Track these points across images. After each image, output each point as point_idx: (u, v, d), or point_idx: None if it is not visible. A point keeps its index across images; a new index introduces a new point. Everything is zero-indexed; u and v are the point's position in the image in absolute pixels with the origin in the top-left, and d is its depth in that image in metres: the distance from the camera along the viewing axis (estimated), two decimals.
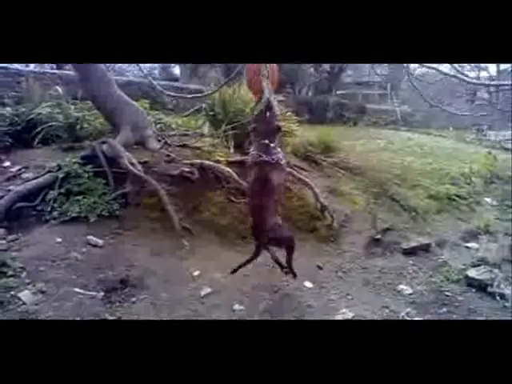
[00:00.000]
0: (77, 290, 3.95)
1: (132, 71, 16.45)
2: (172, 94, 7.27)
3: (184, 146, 6.56)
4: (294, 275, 4.33)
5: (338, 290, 4.69)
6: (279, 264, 4.38)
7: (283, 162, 3.96)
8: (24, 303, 3.59)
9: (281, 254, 4.34)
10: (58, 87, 7.06)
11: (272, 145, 3.85)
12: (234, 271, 4.25)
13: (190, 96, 7.23)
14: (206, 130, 7.40)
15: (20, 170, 5.55)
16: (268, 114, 3.84)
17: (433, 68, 4.63)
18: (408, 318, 4.11)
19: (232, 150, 6.68)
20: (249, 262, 4.22)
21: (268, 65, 3.87)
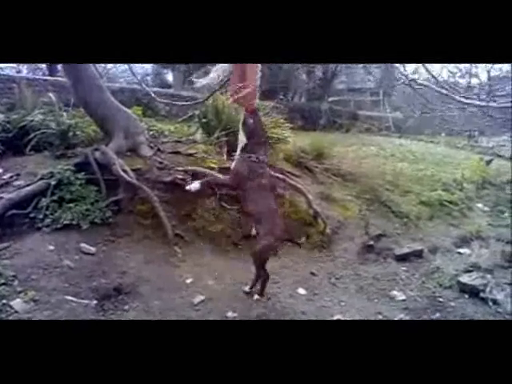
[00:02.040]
0: (69, 298, 3.92)
1: (125, 78, 16.41)
2: (165, 101, 7.30)
3: (177, 152, 6.55)
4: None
5: (331, 297, 4.70)
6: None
7: None
8: (16, 312, 3.56)
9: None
10: (50, 94, 7.03)
11: (264, 148, 3.94)
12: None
13: (181, 103, 7.25)
14: (198, 136, 7.40)
15: (12, 177, 5.50)
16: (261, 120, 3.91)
17: (426, 85, 4.67)
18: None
19: (225, 157, 6.68)
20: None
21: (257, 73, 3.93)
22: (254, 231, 4.35)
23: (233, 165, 4.10)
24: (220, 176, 4.96)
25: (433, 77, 5.81)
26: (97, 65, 7.33)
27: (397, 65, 4.77)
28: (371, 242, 5.93)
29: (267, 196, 3.95)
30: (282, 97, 14.91)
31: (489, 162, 9.81)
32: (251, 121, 3.86)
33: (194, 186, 4.23)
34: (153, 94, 6.16)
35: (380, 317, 4.33)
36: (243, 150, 3.93)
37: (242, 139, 3.94)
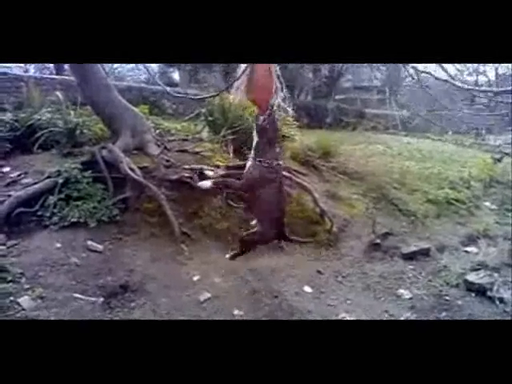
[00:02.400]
0: (76, 295, 3.94)
1: (132, 76, 16.47)
2: (177, 94, 7.35)
3: (183, 151, 6.56)
4: None
5: (338, 295, 4.70)
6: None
7: None
8: (23, 309, 3.58)
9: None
10: (58, 93, 7.05)
11: (278, 150, 3.92)
12: None
13: (193, 97, 7.27)
14: (205, 135, 7.40)
15: (20, 175, 5.53)
16: (276, 120, 3.91)
17: (430, 74, 4.66)
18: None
19: (231, 155, 6.69)
20: None
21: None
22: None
23: (246, 168, 4.09)
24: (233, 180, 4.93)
25: (445, 72, 5.78)
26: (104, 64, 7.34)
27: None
28: (378, 241, 5.91)
29: (274, 202, 3.93)
30: (288, 95, 14.89)
31: (499, 160, 9.74)
32: (262, 118, 3.85)
33: (205, 184, 4.22)
34: (168, 89, 6.19)
35: (386, 315, 4.33)
36: (255, 148, 3.93)
37: (254, 137, 3.95)
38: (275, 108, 3.99)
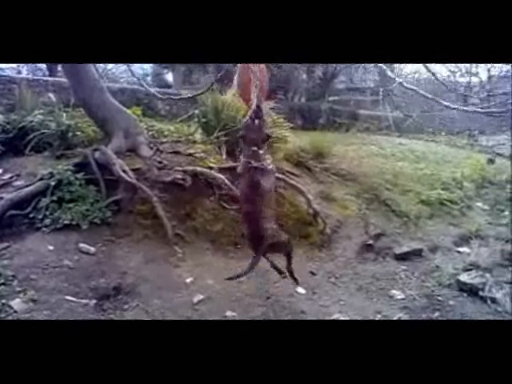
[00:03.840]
0: (69, 297, 3.94)
1: (125, 78, 16.41)
2: (163, 97, 7.37)
3: (176, 152, 6.54)
4: (296, 281, 4.25)
5: (331, 296, 4.71)
6: (278, 270, 4.23)
7: (272, 167, 3.90)
8: (15, 311, 3.58)
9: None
10: (50, 94, 7.03)
11: (261, 151, 3.84)
12: (231, 279, 4.12)
13: (178, 97, 7.30)
14: (198, 136, 7.39)
15: (12, 177, 5.51)
16: (257, 122, 3.84)
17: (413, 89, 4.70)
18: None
19: (224, 157, 6.68)
20: (247, 272, 4.00)
21: (258, 73, 3.91)
22: None
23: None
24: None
25: (433, 74, 5.81)
26: (97, 65, 7.32)
27: (384, 66, 4.73)
28: (371, 241, 5.93)
29: (251, 202, 3.85)
30: (281, 96, 14.88)
31: (492, 161, 9.78)
32: (244, 121, 3.91)
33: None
34: (153, 91, 6.17)
35: (379, 316, 4.34)
36: (240, 151, 3.98)
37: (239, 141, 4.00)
38: (260, 106, 3.98)
